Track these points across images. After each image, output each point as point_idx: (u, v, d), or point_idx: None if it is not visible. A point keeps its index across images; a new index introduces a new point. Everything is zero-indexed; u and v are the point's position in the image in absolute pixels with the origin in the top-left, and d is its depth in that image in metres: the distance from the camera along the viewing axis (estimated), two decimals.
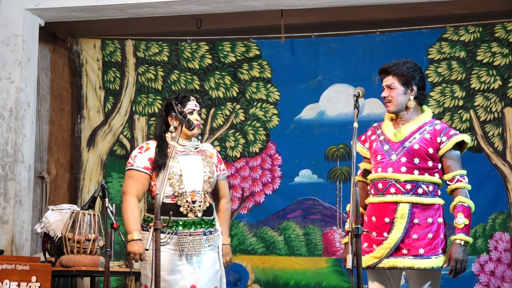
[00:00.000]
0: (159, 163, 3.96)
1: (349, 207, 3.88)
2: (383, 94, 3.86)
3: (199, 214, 3.94)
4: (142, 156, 4.02)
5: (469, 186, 3.77)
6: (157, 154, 3.99)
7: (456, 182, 3.76)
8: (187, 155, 4.04)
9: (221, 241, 4.08)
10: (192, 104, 4.07)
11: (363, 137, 3.98)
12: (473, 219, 6.56)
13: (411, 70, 3.85)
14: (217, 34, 7.18)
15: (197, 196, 3.94)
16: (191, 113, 4.06)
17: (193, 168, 3.99)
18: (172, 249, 3.91)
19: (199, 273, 3.91)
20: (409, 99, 3.84)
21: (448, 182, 3.78)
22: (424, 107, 3.91)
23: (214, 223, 4.05)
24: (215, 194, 4.16)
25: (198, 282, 3.89)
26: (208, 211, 4.00)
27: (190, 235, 3.91)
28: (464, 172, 3.79)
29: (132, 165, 4.01)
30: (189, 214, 3.93)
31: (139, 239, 3.89)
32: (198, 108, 4.12)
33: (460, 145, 3.81)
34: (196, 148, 4.09)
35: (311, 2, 6.12)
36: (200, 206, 3.95)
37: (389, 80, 3.84)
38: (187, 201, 3.92)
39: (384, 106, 3.90)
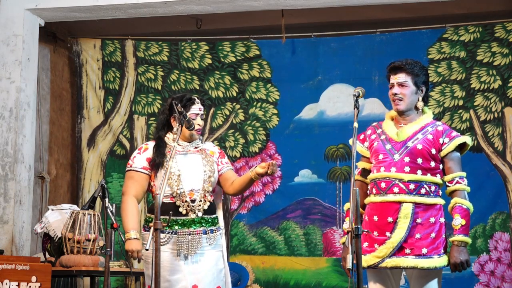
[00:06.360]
0: (156, 162, 3.96)
1: (347, 206, 3.87)
2: (394, 90, 3.79)
3: (199, 213, 3.93)
4: (141, 156, 4.04)
5: (468, 188, 3.77)
6: (154, 153, 3.99)
7: (456, 184, 3.76)
8: (185, 154, 4.02)
9: (224, 240, 4.06)
10: (196, 109, 4.01)
11: (362, 136, 3.94)
12: (473, 219, 6.56)
13: (422, 70, 3.83)
14: (217, 34, 7.17)
15: (196, 195, 3.93)
16: (195, 118, 3.99)
17: (192, 167, 3.98)
18: (172, 248, 3.91)
19: (200, 272, 3.90)
20: (418, 99, 3.82)
21: (447, 184, 3.78)
22: (425, 108, 3.90)
23: (216, 221, 4.03)
24: (226, 184, 4.07)
25: (200, 282, 3.88)
26: (209, 210, 3.98)
27: (189, 234, 3.90)
28: (464, 174, 3.78)
29: (131, 166, 4.04)
30: (189, 213, 3.92)
31: (136, 238, 3.89)
32: (202, 112, 4.05)
33: (460, 147, 3.81)
34: (196, 148, 4.07)
35: (311, 2, 6.12)
36: (200, 205, 3.94)
37: (402, 77, 3.78)
38: (186, 201, 3.91)
39: (393, 103, 3.80)
